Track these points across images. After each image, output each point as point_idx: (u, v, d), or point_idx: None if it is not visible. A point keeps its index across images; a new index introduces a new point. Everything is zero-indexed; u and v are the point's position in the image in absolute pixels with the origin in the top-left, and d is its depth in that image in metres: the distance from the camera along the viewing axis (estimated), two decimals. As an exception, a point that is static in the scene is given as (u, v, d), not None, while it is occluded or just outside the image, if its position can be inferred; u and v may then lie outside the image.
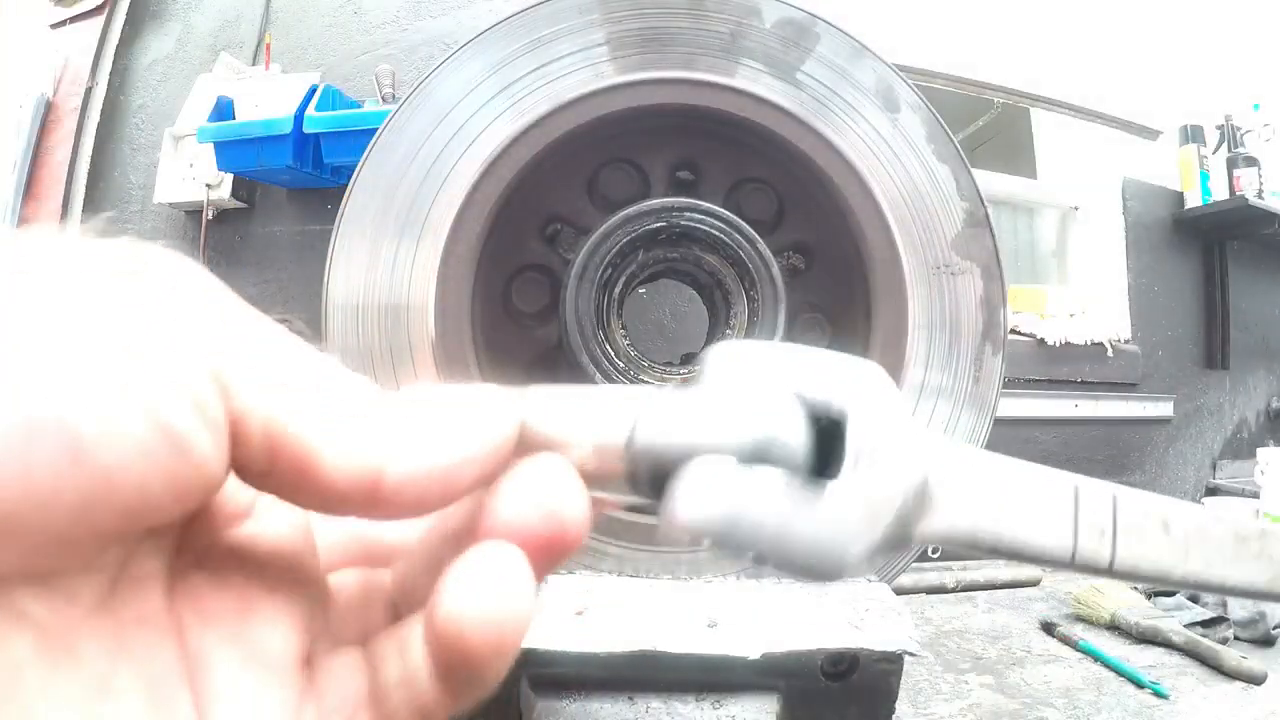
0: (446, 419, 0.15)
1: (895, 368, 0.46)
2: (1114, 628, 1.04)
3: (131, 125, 1.99)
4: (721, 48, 0.47)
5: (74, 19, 2.04)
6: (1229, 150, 2.17)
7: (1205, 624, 1.03)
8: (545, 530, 0.14)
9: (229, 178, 1.73)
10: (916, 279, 0.47)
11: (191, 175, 1.76)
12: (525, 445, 0.15)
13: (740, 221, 0.46)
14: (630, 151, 0.50)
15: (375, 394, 0.15)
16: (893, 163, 0.48)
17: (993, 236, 0.49)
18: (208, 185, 1.73)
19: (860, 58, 0.47)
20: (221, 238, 1.81)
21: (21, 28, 2.18)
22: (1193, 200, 2.16)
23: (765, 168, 0.50)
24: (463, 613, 0.14)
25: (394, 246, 0.46)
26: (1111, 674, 0.91)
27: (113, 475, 0.12)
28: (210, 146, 1.60)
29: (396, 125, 0.47)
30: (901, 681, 0.43)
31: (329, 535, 0.18)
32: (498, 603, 0.14)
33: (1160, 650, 0.97)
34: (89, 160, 2.01)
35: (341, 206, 0.47)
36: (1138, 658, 0.96)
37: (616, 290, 0.47)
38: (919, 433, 0.16)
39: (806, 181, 0.49)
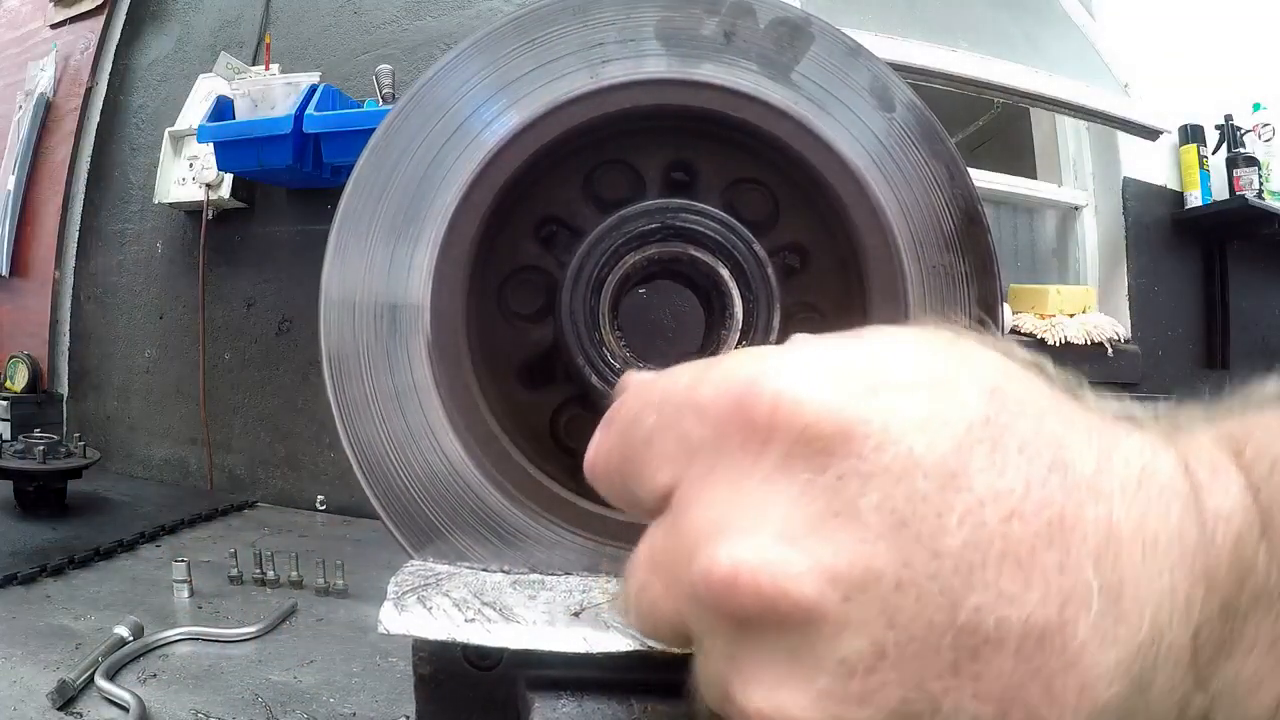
0: None
1: (891, 368, 0.46)
2: (1113, 628, 1.04)
3: (131, 125, 1.99)
4: (716, 49, 0.47)
5: (74, 19, 2.04)
6: (1229, 150, 2.17)
7: (1204, 624, 1.03)
8: None
9: (229, 178, 1.73)
10: (913, 279, 0.47)
11: (191, 175, 1.76)
12: None
13: (735, 222, 0.46)
14: (626, 152, 0.50)
15: None
16: (888, 162, 0.48)
17: (989, 235, 0.49)
18: (208, 185, 1.73)
19: (855, 58, 0.48)
20: (221, 238, 1.81)
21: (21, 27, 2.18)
22: (1193, 200, 2.16)
23: (761, 168, 0.50)
24: None
25: (390, 246, 0.47)
26: (1110, 674, 0.91)
27: None
28: (210, 146, 1.60)
29: (393, 124, 0.47)
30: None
31: None
32: None
33: (1159, 650, 0.97)
34: (89, 160, 2.01)
35: (338, 205, 0.47)
36: (1136, 658, 0.96)
37: (611, 291, 0.47)
38: None
39: (802, 182, 0.49)
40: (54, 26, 2.09)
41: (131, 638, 0.87)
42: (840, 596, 0.19)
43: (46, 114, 2.05)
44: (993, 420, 0.20)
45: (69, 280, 2.03)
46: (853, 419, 0.20)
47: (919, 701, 0.19)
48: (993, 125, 2.28)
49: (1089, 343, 1.91)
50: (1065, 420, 0.21)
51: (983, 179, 1.99)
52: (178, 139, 1.80)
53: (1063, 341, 1.87)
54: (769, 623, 0.20)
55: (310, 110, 1.52)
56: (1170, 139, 2.12)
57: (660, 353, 0.49)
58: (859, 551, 0.19)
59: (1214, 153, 2.18)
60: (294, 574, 1.12)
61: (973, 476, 0.19)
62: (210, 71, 1.78)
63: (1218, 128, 2.18)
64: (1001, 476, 0.19)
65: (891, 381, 0.21)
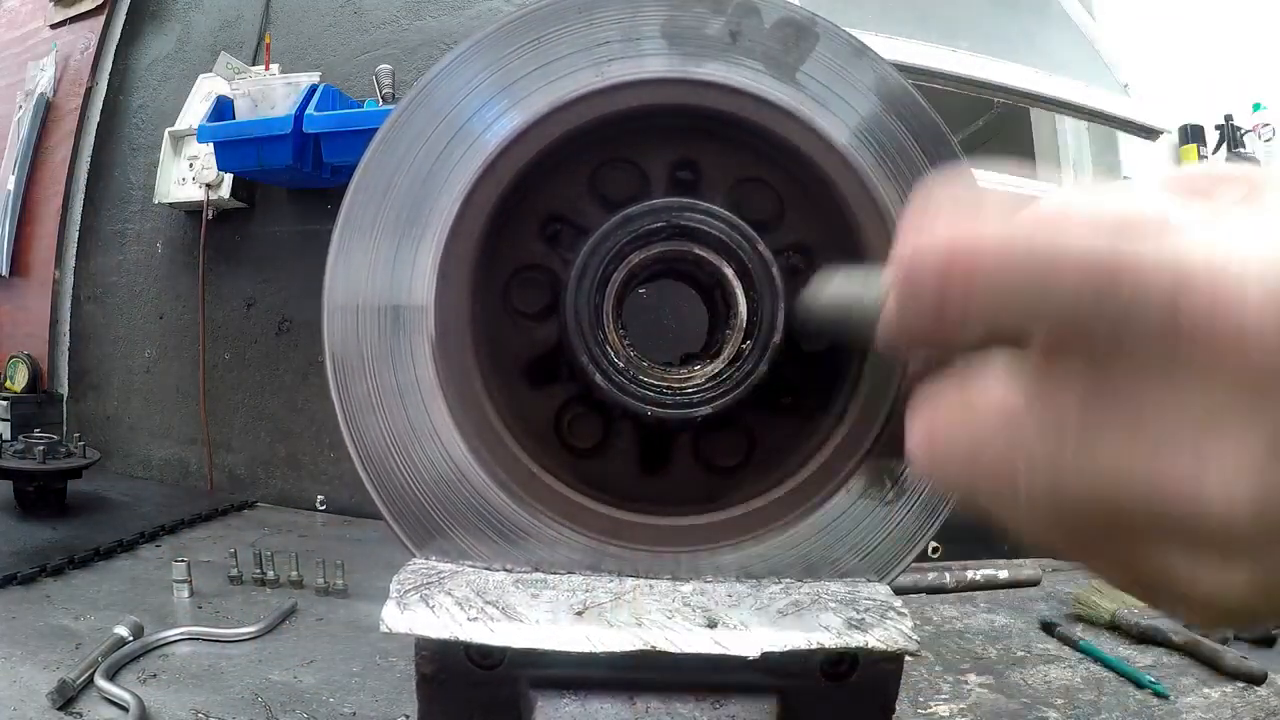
0: None
1: (894, 364, 0.46)
2: (1114, 628, 1.04)
3: (131, 125, 1.99)
4: (722, 48, 0.47)
5: (74, 19, 2.04)
6: (1229, 150, 2.17)
7: (1205, 624, 1.03)
8: None
9: (229, 178, 1.73)
10: (916, 279, 0.47)
11: (191, 175, 1.76)
12: None
13: (740, 221, 0.46)
14: (631, 151, 0.50)
15: None
16: (892, 161, 0.48)
17: (993, 236, 0.49)
18: (208, 185, 1.73)
19: (860, 57, 0.48)
20: (221, 238, 1.81)
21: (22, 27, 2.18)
22: (1193, 200, 2.15)
23: (765, 167, 0.50)
24: None
25: (393, 246, 0.46)
26: (1112, 674, 0.91)
27: None
28: (210, 146, 1.60)
29: (396, 124, 0.47)
30: (901, 681, 0.43)
31: None
32: None
33: (1160, 650, 0.97)
34: (89, 160, 2.01)
35: (341, 206, 0.47)
36: (1138, 658, 0.96)
37: (616, 290, 0.47)
38: None
39: (807, 181, 0.49)
40: (54, 26, 2.09)
41: (131, 638, 0.87)
42: None
43: (46, 114, 2.05)
44: None
45: (69, 280, 2.03)
46: None
47: None
48: (993, 125, 2.28)
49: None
50: None
51: (982, 179, 1.98)
52: (178, 139, 1.80)
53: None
54: None
55: (310, 110, 1.52)
56: (1170, 139, 2.12)
57: (663, 351, 0.49)
58: None
59: (1214, 152, 2.17)
60: (294, 574, 1.12)
61: None
62: (210, 71, 1.78)
63: (1218, 128, 2.18)
64: None
65: None
